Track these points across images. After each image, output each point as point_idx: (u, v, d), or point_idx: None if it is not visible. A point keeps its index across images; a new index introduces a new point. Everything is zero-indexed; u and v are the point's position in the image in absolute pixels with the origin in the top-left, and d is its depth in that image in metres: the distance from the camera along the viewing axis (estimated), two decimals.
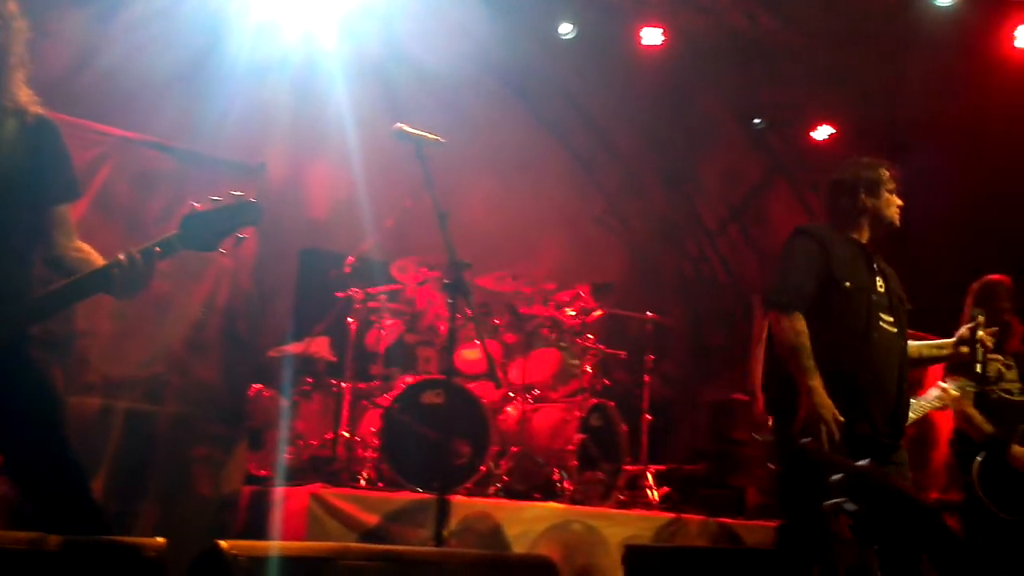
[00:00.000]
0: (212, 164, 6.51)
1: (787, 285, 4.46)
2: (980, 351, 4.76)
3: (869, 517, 3.61)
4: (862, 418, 4.33)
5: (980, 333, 4.77)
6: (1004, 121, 8.91)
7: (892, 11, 8.70)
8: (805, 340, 4.31)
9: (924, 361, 4.94)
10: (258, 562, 3.14)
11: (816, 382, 4.24)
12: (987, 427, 6.08)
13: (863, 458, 3.91)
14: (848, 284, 4.45)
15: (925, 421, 7.90)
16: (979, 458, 6.09)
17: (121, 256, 3.22)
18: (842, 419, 4.19)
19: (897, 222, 4.73)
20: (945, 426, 7.84)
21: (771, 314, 4.47)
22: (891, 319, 4.52)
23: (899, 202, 4.72)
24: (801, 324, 4.34)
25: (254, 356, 7.00)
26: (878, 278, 4.58)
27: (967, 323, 6.21)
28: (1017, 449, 6.07)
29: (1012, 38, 8.39)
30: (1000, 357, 6.13)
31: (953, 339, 4.84)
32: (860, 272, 4.53)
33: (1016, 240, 8.87)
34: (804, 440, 4.05)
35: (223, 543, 3.17)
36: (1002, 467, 6.06)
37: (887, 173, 4.70)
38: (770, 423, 4.58)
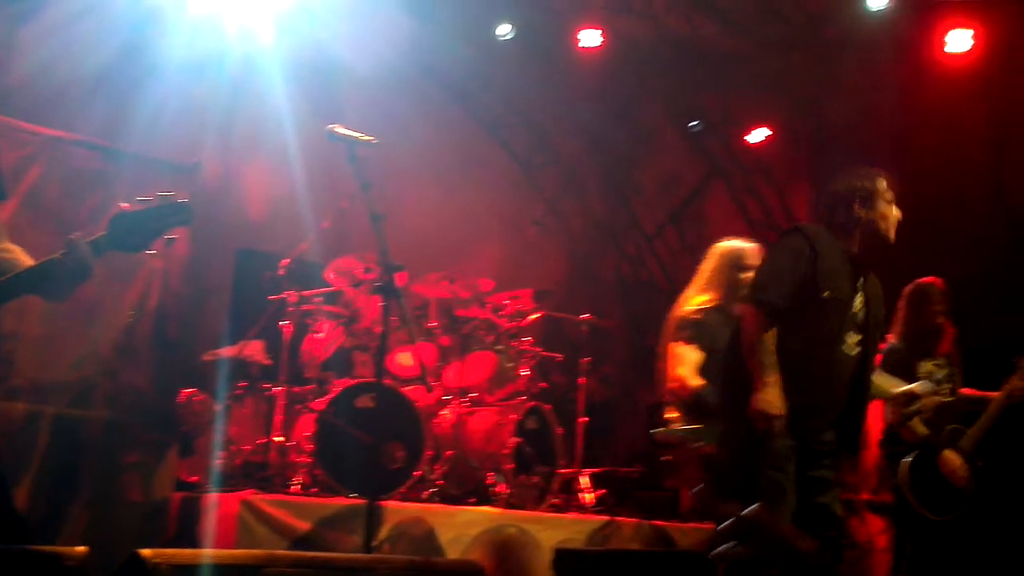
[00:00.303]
0: (145, 163, 6.43)
1: (771, 284, 4.47)
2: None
3: (752, 561, 3.71)
4: (806, 425, 4.39)
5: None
6: (933, 125, 9.05)
7: (826, 16, 8.80)
8: (770, 340, 4.36)
9: (877, 393, 5.00)
10: (181, 570, 3.09)
11: (772, 379, 4.30)
12: (922, 429, 6.11)
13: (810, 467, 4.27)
14: (827, 294, 4.43)
15: None
16: (908, 459, 6.14)
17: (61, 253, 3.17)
18: (783, 416, 4.26)
19: (892, 236, 4.63)
20: (875, 427, 7.94)
21: (749, 307, 4.49)
22: (859, 338, 4.53)
23: (897, 214, 4.64)
24: (770, 325, 4.38)
25: (186, 359, 6.92)
26: (859, 296, 4.55)
27: (900, 326, 6.37)
28: (948, 455, 6.15)
29: (942, 43, 8.50)
30: (931, 361, 6.24)
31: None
32: (842, 285, 4.50)
33: (943, 243, 9.01)
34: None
35: (145, 552, 3.11)
36: (932, 469, 6.13)
37: (884, 183, 4.62)
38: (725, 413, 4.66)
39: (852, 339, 4.51)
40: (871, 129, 9.50)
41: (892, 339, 6.39)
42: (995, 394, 6.24)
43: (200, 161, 6.79)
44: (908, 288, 6.46)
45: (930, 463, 6.13)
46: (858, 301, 4.54)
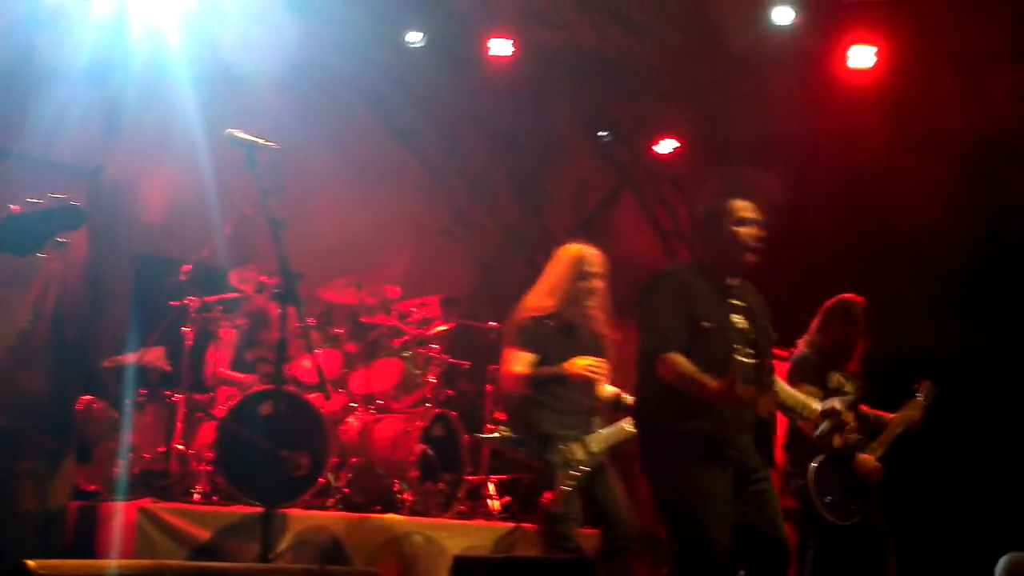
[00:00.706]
0: (44, 167, 6.30)
1: (659, 330, 4.54)
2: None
3: None
4: (726, 446, 4.48)
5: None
6: (837, 139, 9.24)
7: (733, 30, 8.92)
8: (689, 365, 4.42)
9: (784, 408, 5.01)
10: None
11: (718, 383, 4.32)
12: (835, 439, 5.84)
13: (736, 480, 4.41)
14: (706, 324, 4.52)
15: None
16: (814, 464, 6.20)
17: None
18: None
19: (743, 257, 4.66)
20: (778, 432, 8.05)
21: (651, 359, 4.53)
22: (750, 351, 4.59)
23: (750, 232, 4.65)
24: (680, 357, 4.43)
25: (85, 365, 6.78)
26: (734, 314, 4.61)
27: (815, 336, 6.44)
28: (864, 457, 6.24)
29: (845, 58, 8.68)
30: (839, 373, 6.36)
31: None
32: (717, 310, 4.59)
33: (843, 259, 9.21)
34: None
35: (30, 563, 3.04)
36: (837, 473, 6.21)
37: (736, 203, 4.64)
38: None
39: (745, 352, 4.58)
40: (777, 142, 9.66)
41: (802, 347, 6.52)
42: (890, 415, 6.39)
43: (101, 165, 6.67)
44: (831, 302, 6.55)
45: (836, 468, 6.21)
46: (736, 319, 4.62)
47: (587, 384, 5.44)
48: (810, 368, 6.29)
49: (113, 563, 3.20)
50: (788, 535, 6.36)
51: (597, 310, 5.63)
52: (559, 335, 5.47)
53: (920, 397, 6.41)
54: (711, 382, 4.34)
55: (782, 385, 4.95)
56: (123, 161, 7.63)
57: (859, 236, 9.47)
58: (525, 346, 5.49)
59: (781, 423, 7.06)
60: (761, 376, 4.60)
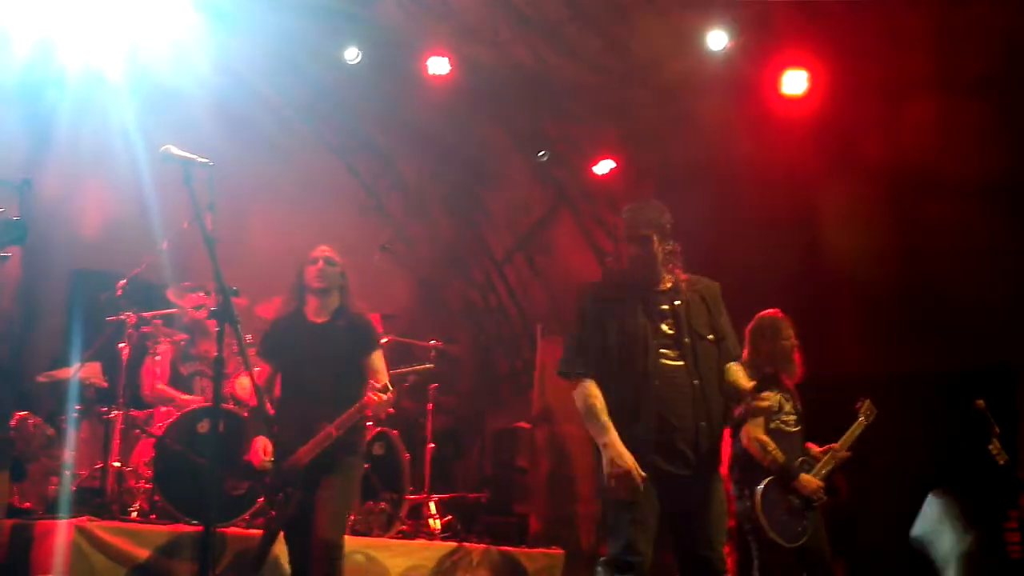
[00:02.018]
0: None
1: (572, 353, 4.65)
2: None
3: None
4: (655, 454, 4.48)
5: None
6: (768, 163, 9.38)
7: (669, 53, 9.04)
8: (595, 401, 4.51)
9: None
10: None
11: (611, 437, 4.43)
12: (779, 456, 6.21)
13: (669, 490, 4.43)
14: (620, 335, 4.61)
15: None
16: (760, 487, 6.21)
17: None
18: (640, 474, 4.39)
19: (631, 273, 4.77)
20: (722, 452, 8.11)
21: (566, 380, 4.63)
22: (675, 354, 4.62)
23: (629, 251, 4.76)
24: (591, 387, 4.53)
25: (18, 382, 6.67)
26: (661, 321, 4.66)
27: (747, 363, 6.50)
28: (805, 477, 6.25)
29: (778, 83, 8.82)
30: (776, 392, 6.26)
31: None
32: (635, 319, 4.64)
33: (771, 282, 9.33)
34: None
35: None
36: (783, 494, 6.23)
37: (622, 223, 4.81)
38: None
39: (670, 355, 4.62)
40: (710, 165, 9.79)
41: None
42: (835, 446, 6.42)
43: (31, 178, 6.56)
44: (751, 324, 6.57)
45: (782, 490, 6.22)
46: (664, 325, 4.66)
47: None
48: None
49: None
50: (728, 554, 6.50)
51: None
52: (301, 337, 5.61)
53: (861, 418, 6.49)
54: (603, 429, 4.46)
55: (735, 374, 4.87)
56: (57, 175, 7.55)
57: (787, 259, 9.61)
58: (262, 354, 5.70)
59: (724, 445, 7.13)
60: (692, 377, 4.61)
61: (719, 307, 4.87)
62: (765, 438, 6.20)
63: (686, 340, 4.65)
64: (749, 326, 6.54)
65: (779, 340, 6.42)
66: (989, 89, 8.26)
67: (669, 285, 4.77)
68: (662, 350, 4.60)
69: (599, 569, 4.56)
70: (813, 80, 8.77)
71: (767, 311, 6.58)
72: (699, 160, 9.82)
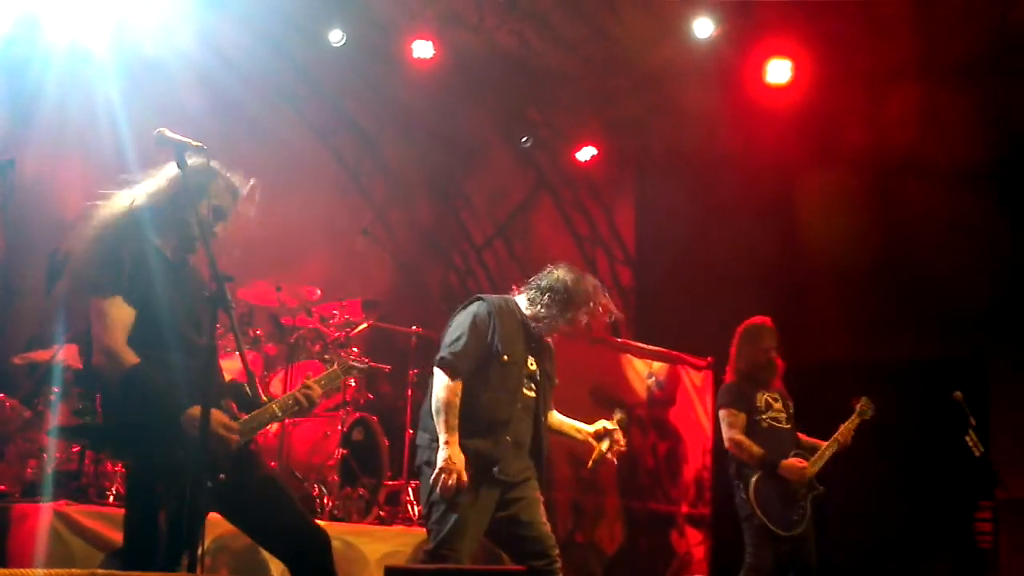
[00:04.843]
0: None
1: (460, 351, 5.02)
2: (608, 449, 5.25)
3: None
4: (495, 460, 4.98)
5: (618, 434, 5.26)
6: (751, 150, 9.42)
7: (653, 41, 9.04)
8: (457, 401, 4.93)
9: (561, 434, 5.43)
10: None
11: (454, 439, 4.88)
12: (756, 450, 6.50)
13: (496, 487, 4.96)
14: (506, 358, 5.06)
15: (677, 439, 8.30)
16: (754, 478, 6.49)
17: None
18: (463, 475, 4.84)
19: (553, 332, 5.24)
20: (695, 444, 8.24)
21: (439, 368, 5.00)
22: (533, 388, 5.18)
23: (568, 329, 5.24)
24: (459, 387, 4.95)
25: None
26: (531, 356, 5.19)
27: (734, 362, 6.71)
28: (785, 462, 6.48)
29: (762, 72, 8.85)
30: (767, 394, 6.71)
31: (592, 429, 5.31)
32: (518, 348, 5.13)
33: (755, 269, 9.37)
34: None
35: None
36: (775, 485, 6.48)
37: (583, 304, 5.16)
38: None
39: (528, 389, 5.16)
40: (692, 152, 9.82)
41: (729, 377, 6.90)
42: (825, 443, 6.62)
43: (14, 158, 6.50)
44: (739, 329, 6.88)
45: (773, 482, 6.48)
46: (531, 360, 5.19)
47: None
48: (733, 394, 6.73)
49: (43, 572, 3.14)
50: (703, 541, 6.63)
51: None
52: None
53: (856, 416, 6.68)
54: (454, 433, 4.87)
55: (555, 415, 5.39)
56: (39, 155, 7.47)
57: (770, 246, 9.67)
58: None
59: (699, 437, 7.24)
60: (538, 411, 5.19)
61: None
62: (740, 437, 6.55)
63: (541, 379, 5.23)
64: (736, 332, 6.88)
65: (758, 348, 6.73)
66: (971, 76, 8.32)
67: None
68: (526, 383, 5.16)
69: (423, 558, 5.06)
70: (797, 69, 8.80)
71: (755, 318, 6.87)
72: (682, 148, 9.86)
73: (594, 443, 5.28)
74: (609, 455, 5.24)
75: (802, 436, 6.75)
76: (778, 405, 6.69)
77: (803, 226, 9.49)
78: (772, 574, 6.45)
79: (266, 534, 4.28)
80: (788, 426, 6.67)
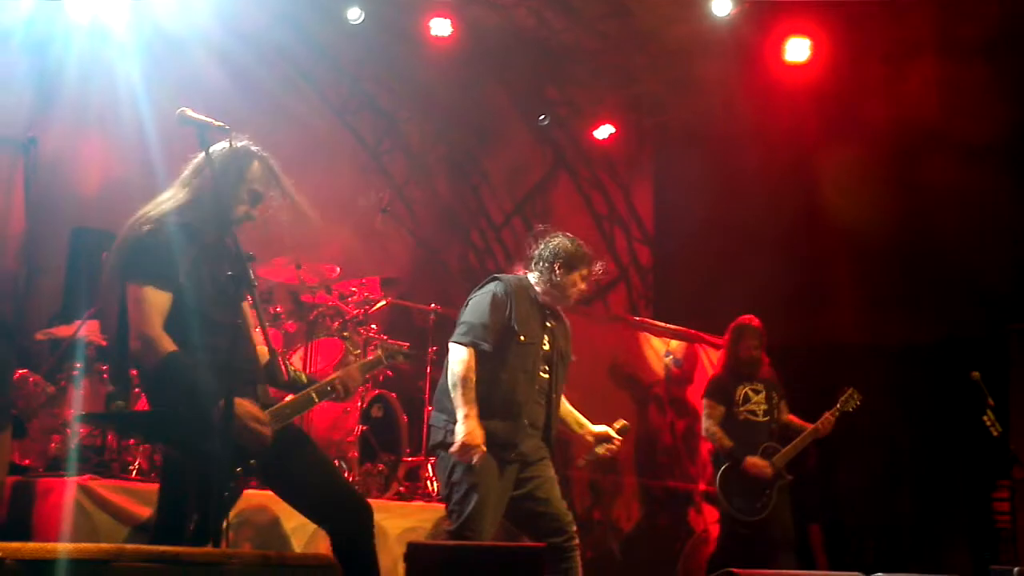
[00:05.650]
0: None
1: (477, 328, 5.12)
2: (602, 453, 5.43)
3: None
4: (514, 442, 5.10)
5: (615, 442, 5.41)
6: (769, 128, 9.39)
7: (672, 18, 9.01)
8: (473, 376, 5.02)
9: (563, 423, 5.50)
10: (29, 566, 3.00)
11: (473, 412, 4.96)
12: (727, 442, 7.18)
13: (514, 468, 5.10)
14: (523, 338, 5.16)
15: (695, 417, 8.35)
16: (723, 467, 7.20)
17: None
18: (484, 449, 4.93)
19: (571, 302, 5.38)
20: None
21: (456, 345, 5.11)
22: (547, 368, 5.28)
23: (583, 287, 5.35)
24: (474, 362, 5.04)
25: (20, 339, 6.67)
26: (547, 336, 5.28)
27: (722, 358, 7.50)
28: (751, 460, 7.10)
29: (781, 49, 8.83)
30: (748, 386, 7.33)
31: (595, 430, 5.45)
32: (534, 328, 5.23)
33: (773, 246, 9.34)
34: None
35: None
36: (740, 475, 7.10)
37: (588, 259, 5.32)
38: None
39: (545, 369, 5.27)
40: (710, 130, 9.79)
41: (717, 370, 7.70)
42: (810, 425, 7.22)
43: (36, 136, 6.54)
44: (731, 325, 7.49)
45: (739, 471, 7.11)
46: (546, 340, 5.28)
47: None
48: (715, 387, 7.45)
49: (74, 546, 3.18)
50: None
51: None
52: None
53: (837, 406, 7.20)
54: (473, 407, 4.95)
55: (565, 404, 5.49)
56: (60, 133, 7.51)
57: (791, 224, 9.66)
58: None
59: None
60: (551, 391, 5.29)
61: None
62: (714, 428, 7.26)
63: (558, 359, 5.34)
64: (729, 326, 7.53)
65: (741, 345, 7.36)
66: (990, 52, 8.28)
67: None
68: (542, 364, 5.26)
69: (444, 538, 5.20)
70: (816, 47, 8.78)
71: (743, 317, 7.48)
72: (700, 125, 9.84)
73: (591, 443, 5.43)
74: (602, 452, 5.41)
75: (793, 419, 7.37)
76: (758, 398, 7.28)
77: (822, 204, 9.47)
78: (734, 551, 7.04)
79: (314, 507, 4.35)
80: (765, 419, 7.26)
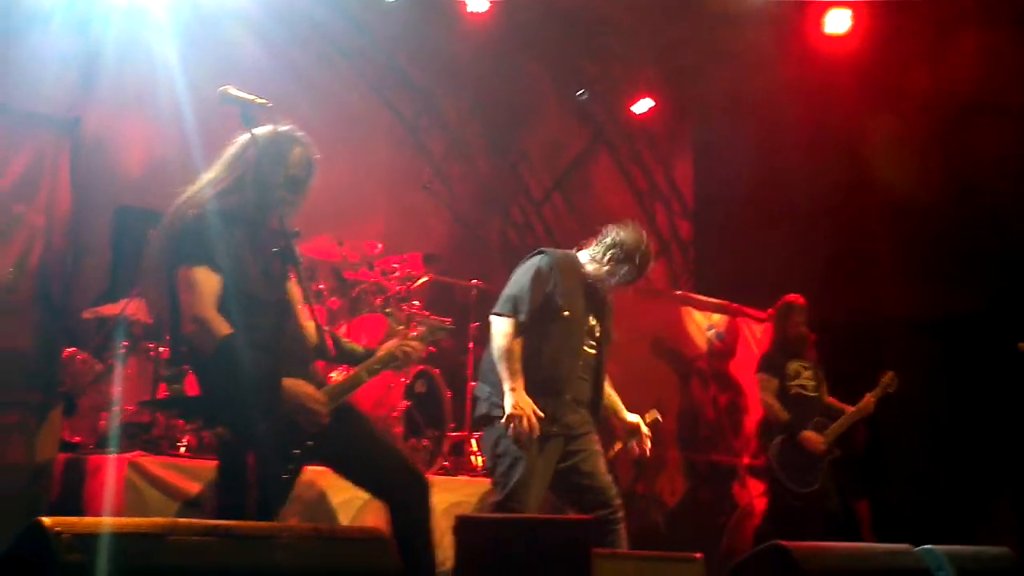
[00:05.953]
0: (21, 117, 6.21)
1: (520, 301, 5.14)
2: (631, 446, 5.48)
3: None
4: (557, 416, 5.12)
5: (646, 436, 5.44)
6: (811, 99, 9.30)
7: None
8: (519, 349, 5.05)
9: (604, 407, 5.50)
10: (84, 540, 3.03)
11: (519, 384, 4.99)
12: (783, 415, 7.36)
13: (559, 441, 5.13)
14: (567, 313, 5.19)
15: (738, 391, 8.36)
16: (776, 440, 7.38)
17: None
18: (540, 415, 4.96)
19: (611, 286, 5.38)
20: (755, 396, 8.27)
21: (499, 318, 5.15)
22: (594, 344, 5.32)
23: (626, 284, 5.37)
24: (517, 333, 5.08)
25: (67, 318, 6.73)
26: (593, 313, 5.32)
27: (772, 335, 7.78)
28: (807, 434, 7.26)
29: (821, 20, 8.76)
30: (798, 363, 7.55)
31: (628, 419, 5.47)
32: (579, 304, 5.26)
33: (817, 219, 9.26)
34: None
35: (46, 520, 3.03)
36: (794, 448, 7.27)
37: (643, 267, 5.33)
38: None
39: (591, 344, 5.32)
40: (752, 102, 9.71)
41: (766, 347, 7.98)
42: (851, 408, 7.45)
43: (80, 116, 6.57)
44: (776, 304, 7.74)
45: (793, 443, 7.29)
46: (592, 318, 5.33)
47: None
48: (768, 361, 7.67)
49: (129, 521, 3.21)
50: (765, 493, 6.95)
51: None
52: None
53: (879, 388, 7.41)
54: (519, 378, 4.98)
55: (608, 387, 5.49)
56: (103, 112, 7.56)
57: (833, 196, 9.58)
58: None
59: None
60: (598, 368, 5.35)
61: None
62: (772, 400, 7.45)
63: (603, 337, 5.40)
64: (776, 304, 7.81)
65: (788, 323, 7.61)
66: None
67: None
68: (588, 340, 5.31)
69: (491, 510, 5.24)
70: (856, 18, 8.69)
71: (788, 296, 7.71)
72: (740, 97, 9.75)
73: (622, 433, 5.48)
74: (631, 448, 5.46)
75: (832, 401, 7.56)
76: (807, 374, 7.49)
77: (864, 175, 9.38)
78: (781, 524, 7.19)
79: (373, 481, 4.41)
80: (815, 394, 7.48)
